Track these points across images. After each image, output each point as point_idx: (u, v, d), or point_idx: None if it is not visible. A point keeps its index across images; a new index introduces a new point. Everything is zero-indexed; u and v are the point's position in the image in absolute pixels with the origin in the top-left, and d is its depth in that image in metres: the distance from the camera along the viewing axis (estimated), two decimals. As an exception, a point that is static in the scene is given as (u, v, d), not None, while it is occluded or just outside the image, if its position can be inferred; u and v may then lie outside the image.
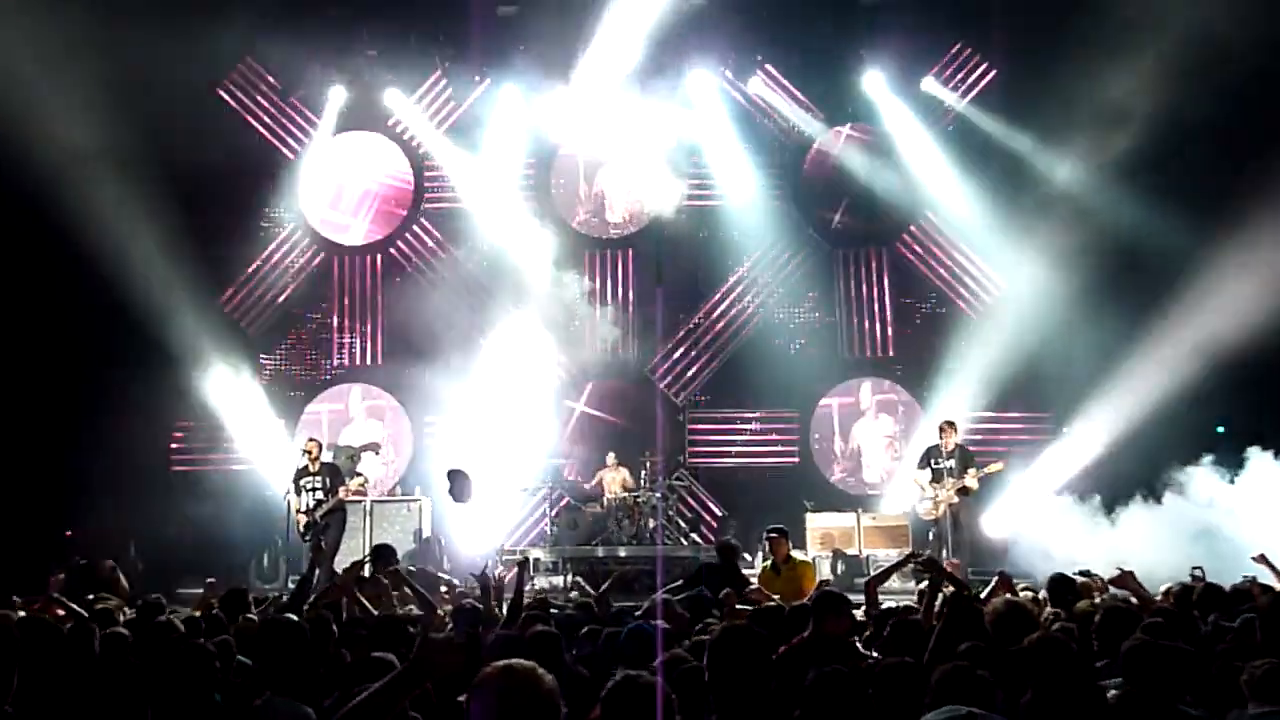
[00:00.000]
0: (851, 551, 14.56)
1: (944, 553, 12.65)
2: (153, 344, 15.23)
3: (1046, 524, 13.37)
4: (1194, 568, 8.07)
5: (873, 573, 13.94)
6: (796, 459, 16.90)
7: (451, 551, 15.31)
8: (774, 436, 16.94)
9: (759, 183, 17.31)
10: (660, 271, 16.17)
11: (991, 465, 13.12)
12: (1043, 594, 7.76)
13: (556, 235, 17.00)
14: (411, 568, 11.84)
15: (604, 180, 17.62)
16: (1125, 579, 7.13)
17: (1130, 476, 13.74)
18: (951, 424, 13.30)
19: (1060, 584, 7.60)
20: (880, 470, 16.82)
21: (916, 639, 5.37)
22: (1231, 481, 12.91)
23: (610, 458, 15.48)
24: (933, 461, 13.16)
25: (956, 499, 12.87)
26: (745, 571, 14.22)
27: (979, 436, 15.51)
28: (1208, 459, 13.12)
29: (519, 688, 2.87)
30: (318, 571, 11.69)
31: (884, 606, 7.14)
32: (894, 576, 9.25)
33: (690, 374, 17.19)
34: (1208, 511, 12.52)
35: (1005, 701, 3.96)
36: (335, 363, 17.42)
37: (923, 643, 5.23)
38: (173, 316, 15.48)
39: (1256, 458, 12.91)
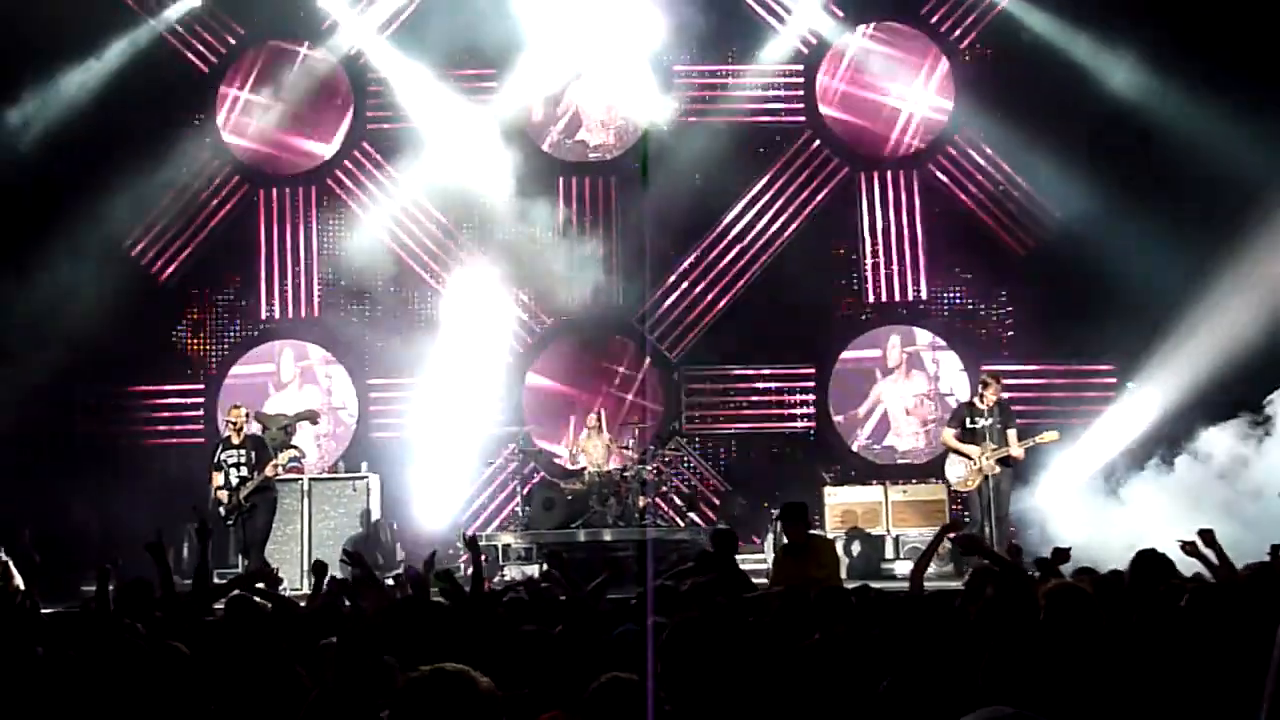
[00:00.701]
0: (876, 531, 14.55)
1: (987, 531, 12.56)
2: (45, 294, 15.08)
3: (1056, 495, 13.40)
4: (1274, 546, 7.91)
5: (902, 556, 14.04)
6: (813, 424, 16.94)
7: (406, 538, 15.27)
8: (786, 397, 16.93)
9: (766, 95, 17.17)
10: (645, 178, 15.97)
11: (1044, 435, 12.97)
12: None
13: (524, 159, 16.85)
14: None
15: (580, 93, 17.50)
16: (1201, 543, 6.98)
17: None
18: (994, 376, 13.15)
19: (1147, 564, 7.30)
20: (912, 436, 16.82)
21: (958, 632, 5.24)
22: (1260, 442, 12.89)
23: (591, 419, 15.37)
24: (968, 421, 13.02)
25: (998, 468, 12.74)
26: (757, 557, 14.44)
27: (1028, 395, 15.51)
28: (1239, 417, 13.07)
29: (451, 693, 2.84)
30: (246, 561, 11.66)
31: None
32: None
33: (687, 323, 17.18)
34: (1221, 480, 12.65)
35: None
36: (264, 315, 17.34)
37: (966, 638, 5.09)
38: (70, 262, 15.33)
39: None
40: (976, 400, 13.11)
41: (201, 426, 16.62)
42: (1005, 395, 13.19)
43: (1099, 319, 15.53)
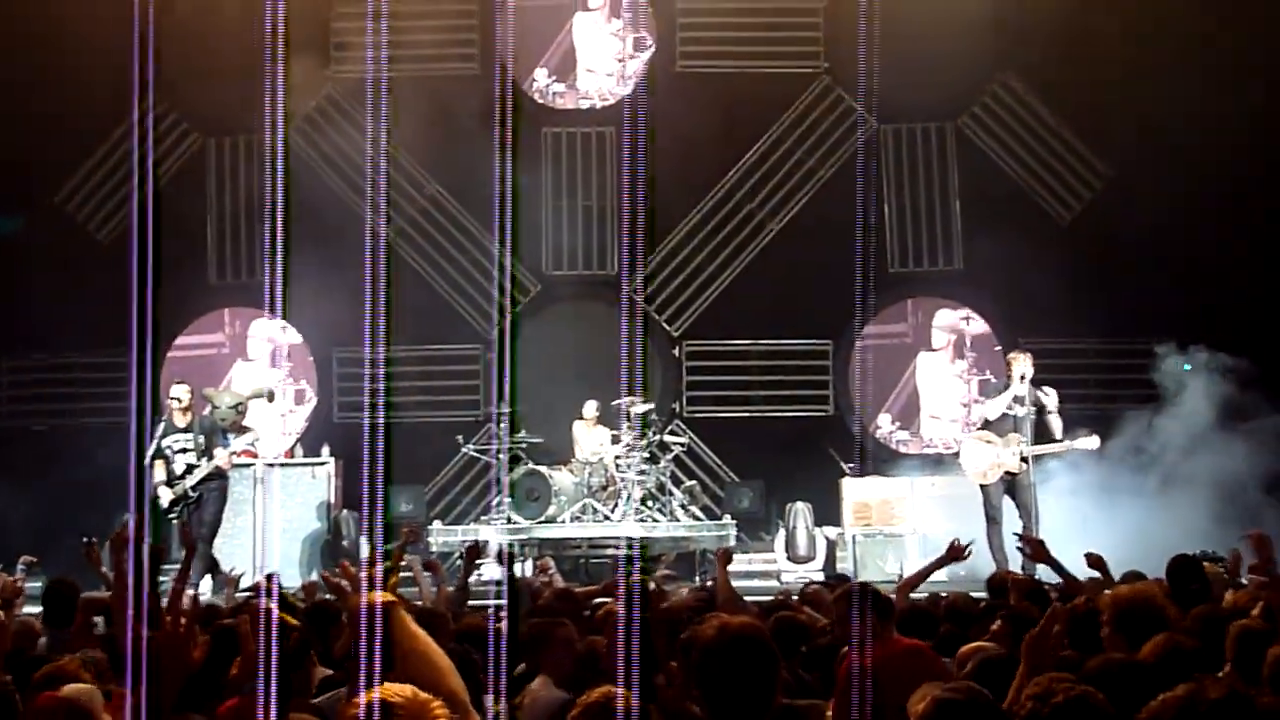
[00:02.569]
0: (897, 529, 14.31)
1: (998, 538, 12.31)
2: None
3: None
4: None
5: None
6: (829, 407, 16.81)
7: (370, 527, 15.02)
8: (799, 377, 16.80)
9: (780, 37, 17.00)
10: (643, 129, 15.73)
11: (1082, 439, 12.64)
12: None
13: (505, 105, 16.62)
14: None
15: (574, 33, 17.32)
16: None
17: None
18: (1025, 353, 12.86)
19: (1184, 571, 7.25)
20: (944, 421, 16.68)
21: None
22: None
23: (589, 408, 15.23)
24: (987, 409, 12.76)
25: (1024, 465, 12.42)
26: (767, 556, 14.25)
27: (1070, 376, 15.26)
28: None
29: None
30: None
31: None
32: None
33: (689, 294, 17.02)
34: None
35: None
36: (213, 281, 17.18)
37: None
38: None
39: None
40: (1008, 383, 12.83)
41: (134, 403, 16.35)
42: (1039, 376, 12.89)
43: (1152, 291, 15.38)
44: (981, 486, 12.64)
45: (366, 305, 13.93)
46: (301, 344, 16.96)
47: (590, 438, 15.14)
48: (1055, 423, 12.57)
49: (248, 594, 9.79)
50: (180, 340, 16.91)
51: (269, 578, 7.86)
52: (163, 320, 16.75)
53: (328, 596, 7.41)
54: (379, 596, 3.46)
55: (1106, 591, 6.42)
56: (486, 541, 13.94)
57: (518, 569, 13.79)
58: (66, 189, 16.89)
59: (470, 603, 8.52)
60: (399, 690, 2.87)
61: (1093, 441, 12.70)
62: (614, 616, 5.68)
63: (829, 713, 5.27)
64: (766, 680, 3.89)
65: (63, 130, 16.54)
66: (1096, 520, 12.68)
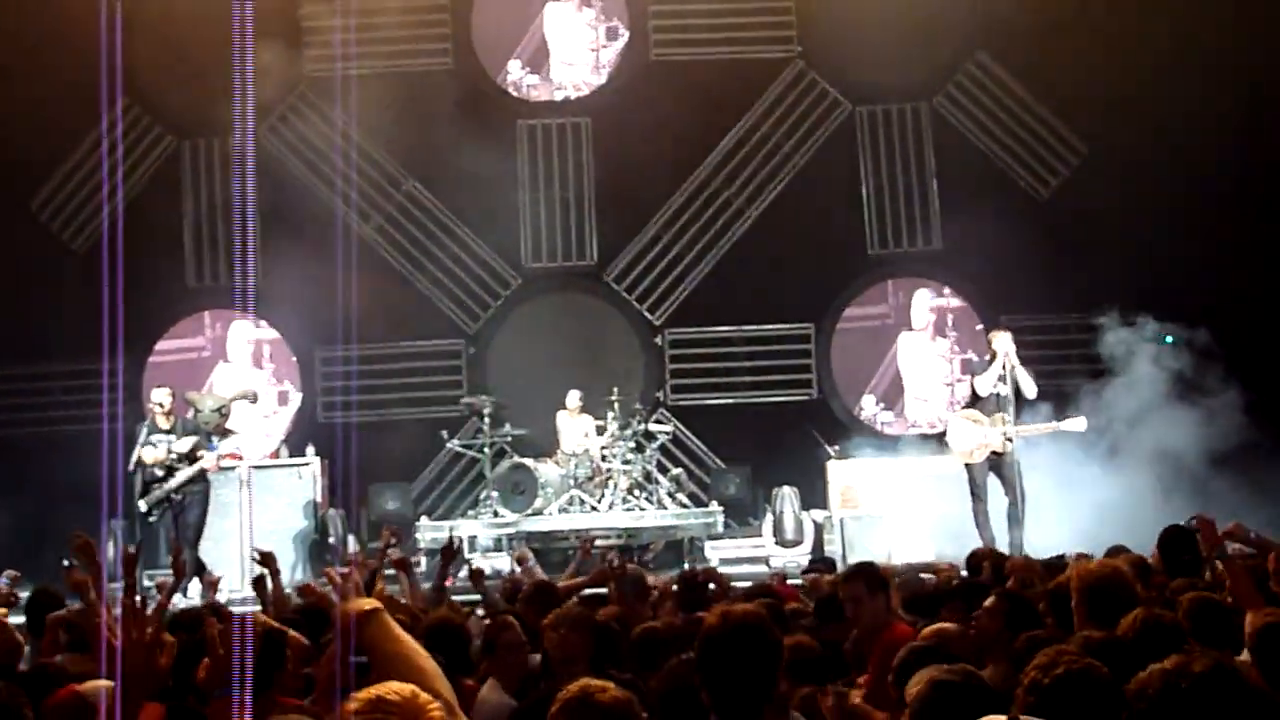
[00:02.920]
0: (882, 511, 14.20)
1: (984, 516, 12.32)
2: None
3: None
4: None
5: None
6: (812, 391, 16.78)
7: (356, 526, 15.01)
8: (781, 361, 16.77)
9: (752, 22, 16.95)
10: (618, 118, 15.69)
11: (1068, 421, 12.59)
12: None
13: (480, 97, 16.58)
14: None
15: (547, 22, 17.25)
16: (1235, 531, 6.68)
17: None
18: (1004, 330, 12.80)
19: (1176, 543, 7.19)
20: (928, 401, 16.68)
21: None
22: None
23: (571, 398, 15.19)
24: (981, 385, 12.68)
25: (1009, 445, 12.37)
26: (755, 542, 14.22)
27: (1050, 351, 15.31)
28: None
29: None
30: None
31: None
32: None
33: (669, 282, 17.00)
34: None
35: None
36: (191, 284, 17.07)
37: None
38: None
39: None
40: (991, 360, 12.76)
41: (122, 409, 16.29)
42: (1019, 353, 12.81)
43: (1130, 266, 15.35)
44: (966, 465, 12.60)
45: (338, 304, 14.03)
46: (283, 344, 16.87)
47: (574, 427, 15.10)
48: (1027, 384, 12.46)
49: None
50: (161, 344, 16.80)
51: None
52: (143, 325, 16.72)
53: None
54: (365, 604, 3.45)
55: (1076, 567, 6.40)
56: (462, 539, 13.88)
57: (496, 562, 13.67)
58: (40, 196, 16.74)
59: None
60: (398, 689, 2.88)
61: (1080, 423, 12.60)
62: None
63: (856, 695, 5.26)
64: (768, 668, 3.90)
65: (35, 138, 16.37)
66: (1069, 496, 12.73)
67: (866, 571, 6.28)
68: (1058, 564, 7.78)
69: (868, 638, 5.93)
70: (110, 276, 12.46)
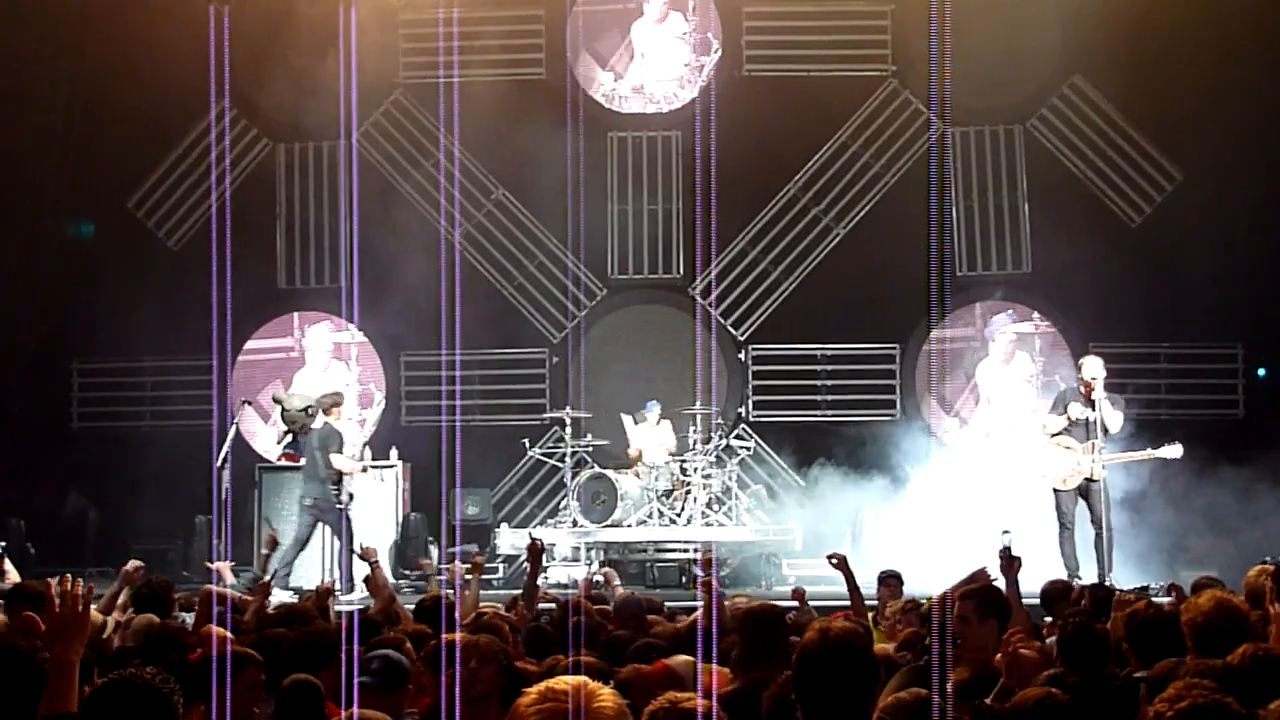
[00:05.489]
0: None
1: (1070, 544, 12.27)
2: (40, 259, 15.13)
3: None
4: None
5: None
6: (895, 412, 16.72)
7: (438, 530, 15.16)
8: (866, 381, 16.72)
9: (847, 40, 16.93)
10: (710, 132, 15.74)
11: (1165, 448, 12.50)
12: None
13: (572, 110, 16.66)
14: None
15: (640, 36, 17.28)
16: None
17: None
18: (1096, 359, 12.70)
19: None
20: (1011, 425, 16.38)
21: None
22: None
23: (651, 410, 15.23)
24: (1071, 411, 12.58)
25: (1104, 472, 12.29)
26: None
27: (1141, 379, 15.21)
28: None
29: None
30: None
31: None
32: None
33: (754, 298, 17.02)
34: None
35: None
36: (282, 286, 17.32)
37: None
38: (67, 224, 15.38)
39: None
40: (1082, 388, 12.68)
41: (210, 407, 16.53)
42: (1111, 381, 12.73)
43: (1225, 294, 15.24)
44: (1055, 491, 12.53)
45: (441, 309, 14.27)
46: (369, 347, 17.07)
47: (651, 439, 15.16)
48: (1111, 416, 12.39)
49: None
50: (250, 344, 17.05)
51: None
52: (233, 325, 16.97)
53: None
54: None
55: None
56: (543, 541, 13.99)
57: (579, 572, 13.67)
58: (138, 194, 17.07)
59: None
60: (569, 680, 2.96)
61: (1176, 450, 12.47)
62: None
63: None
64: (865, 687, 3.85)
65: (134, 137, 16.75)
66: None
67: (981, 594, 6.14)
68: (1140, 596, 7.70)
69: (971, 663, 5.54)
70: (218, 275, 12.88)
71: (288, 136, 17.29)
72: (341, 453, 13.40)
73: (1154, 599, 7.95)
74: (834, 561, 8.80)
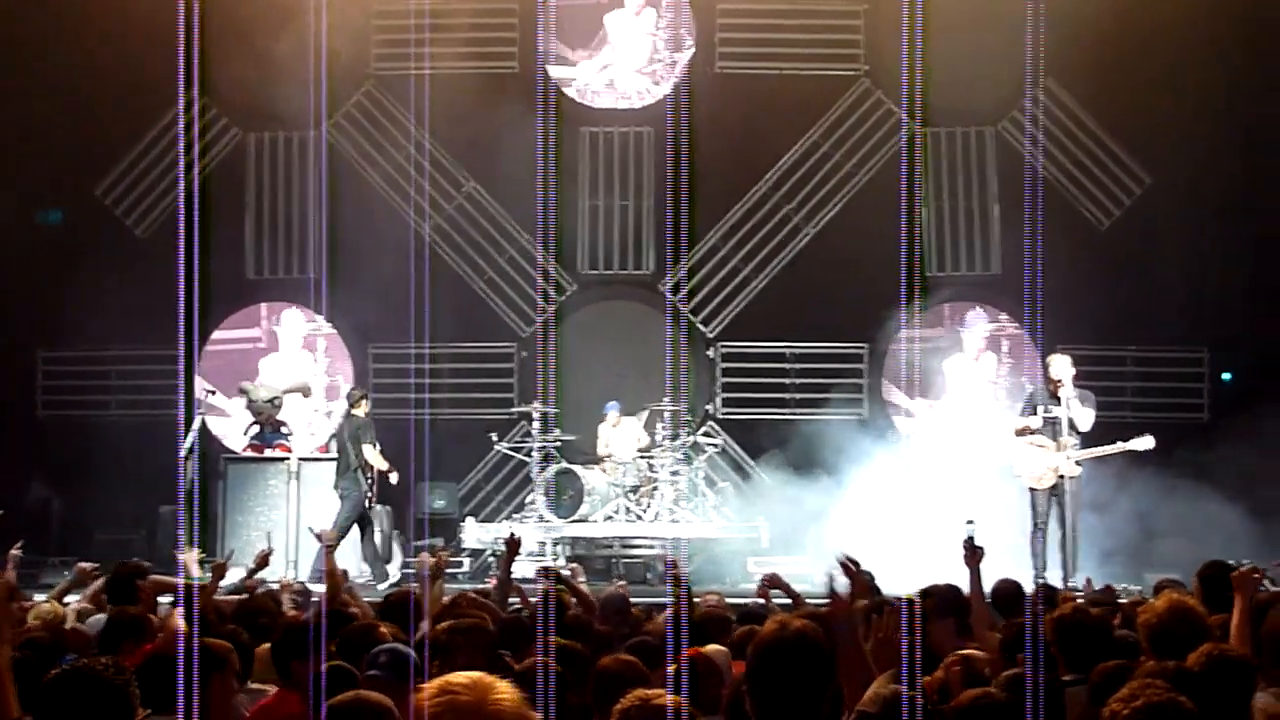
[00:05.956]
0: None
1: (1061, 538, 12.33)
2: (6, 247, 15.03)
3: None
4: None
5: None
6: (863, 410, 16.72)
7: (404, 525, 15.12)
8: (834, 380, 16.69)
9: (820, 39, 16.94)
10: (681, 129, 15.77)
11: (1135, 440, 12.60)
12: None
13: (544, 104, 16.63)
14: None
15: (613, 31, 17.26)
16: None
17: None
18: (1064, 357, 12.80)
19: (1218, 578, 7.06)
20: (981, 425, 16.38)
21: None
22: None
23: (611, 411, 15.27)
24: (1042, 409, 12.67)
25: (1078, 469, 12.39)
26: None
27: (1107, 381, 15.26)
28: None
29: None
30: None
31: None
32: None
33: (724, 295, 17.05)
34: None
35: None
36: (250, 276, 17.24)
37: None
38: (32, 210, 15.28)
39: None
40: (1050, 387, 12.77)
41: (176, 397, 16.45)
42: (1077, 382, 12.82)
43: (1191, 299, 15.35)
44: (1031, 490, 12.62)
45: (411, 301, 14.24)
46: (337, 338, 17.01)
47: (618, 437, 15.16)
48: (1082, 415, 12.48)
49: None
50: (217, 334, 16.95)
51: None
52: (200, 314, 16.90)
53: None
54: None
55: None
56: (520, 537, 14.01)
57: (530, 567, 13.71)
58: (106, 182, 16.97)
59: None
60: (468, 675, 2.89)
61: (1147, 441, 12.61)
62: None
63: None
64: (816, 685, 3.83)
65: (103, 124, 16.66)
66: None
67: (938, 592, 6.23)
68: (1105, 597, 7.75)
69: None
70: (186, 264, 12.72)
71: (258, 126, 17.18)
72: (374, 445, 13.73)
73: (1116, 601, 8.05)
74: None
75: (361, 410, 14.09)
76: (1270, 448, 13.85)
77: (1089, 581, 10.38)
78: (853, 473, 15.04)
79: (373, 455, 13.67)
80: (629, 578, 14.24)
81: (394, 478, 14.18)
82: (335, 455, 14.24)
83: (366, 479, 13.74)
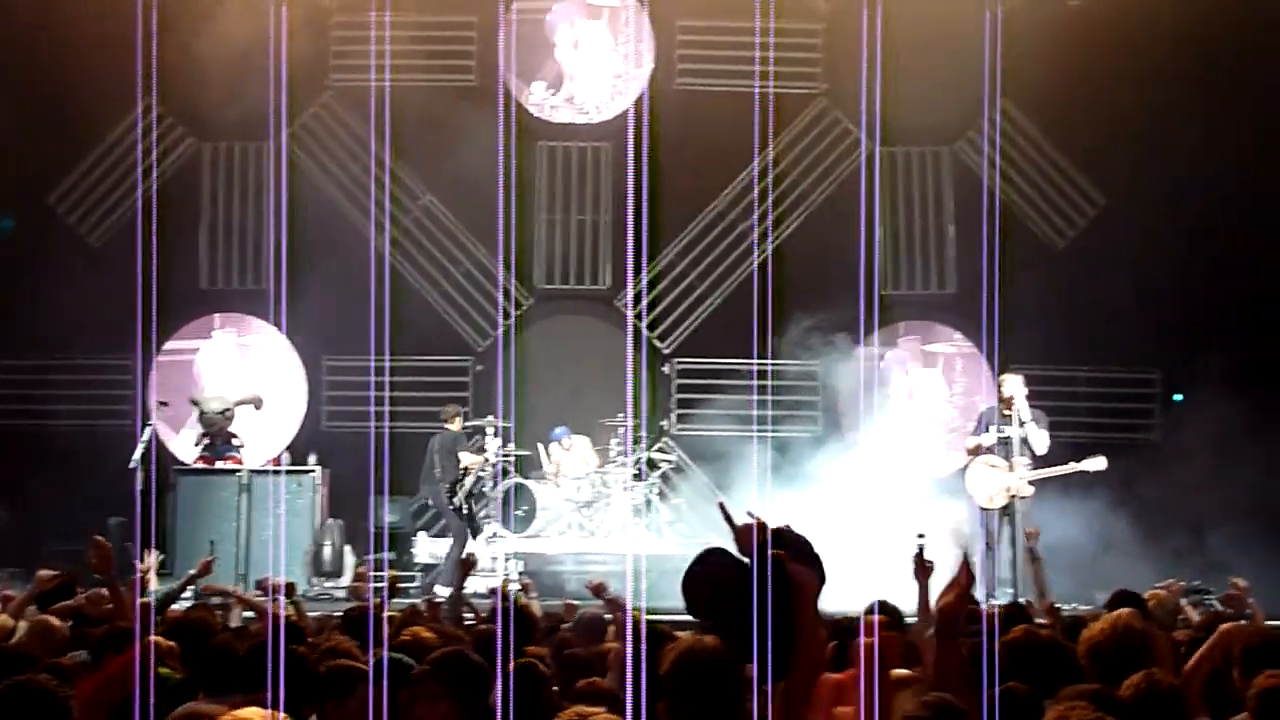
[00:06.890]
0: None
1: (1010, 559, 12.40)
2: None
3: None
4: None
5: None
6: (817, 428, 16.76)
7: (356, 542, 15.05)
8: (788, 396, 16.76)
9: (779, 57, 16.88)
10: (640, 144, 15.81)
11: (1088, 460, 12.70)
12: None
13: (505, 119, 16.62)
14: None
15: (571, 46, 17.29)
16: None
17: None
18: (1017, 377, 12.91)
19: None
20: (936, 444, 16.68)
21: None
22: None
23: (561, 434, 15.31)
24: (994, 429, 12.77)
25: (1030, 490, 12.49)
26: None
27: (1060, 402, 15.35)
28: None
29: None
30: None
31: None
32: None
33: (681, 310, 17.09)
34: None
35: None
36: (204, 287, 17.17)
37: None
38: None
39: None
40: (1002, 406, 12.86)
41: (127, 408, 16.34)
42: (1030, 403, 12.92)
43: (1144, 321, 15.46)
44: (983, 510, 12.68)
45: (349, 313, 14.23)
46: (290, 350, 16.92)
47: (568, 459, 15.16)
48: (1037, 438, 12.59)
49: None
50: (169, 345, 16.83)
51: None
52: (153, 324, 16.79)
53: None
54: None
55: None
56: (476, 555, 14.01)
57: (491, 582, 13.72)
58: (59, 190, 16.86)
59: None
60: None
61: (1099, 462, 12.74)
62: None
63: None
64: (725, 700, 3.89)
65: (56, 131, 16.55)
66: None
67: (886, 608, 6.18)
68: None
69: None
70: (142, 275, 12.70)
71: (214, 135, 17.13)
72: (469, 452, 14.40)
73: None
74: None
75: (456, 425, 14.48)
76: (1220, 468, 13.99)
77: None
78: (807, 489, 15.07)
79: (467, 458, 14.38)
80: (580, 594, 14.21)
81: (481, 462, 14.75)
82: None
83: (450, 491, 14.26)
